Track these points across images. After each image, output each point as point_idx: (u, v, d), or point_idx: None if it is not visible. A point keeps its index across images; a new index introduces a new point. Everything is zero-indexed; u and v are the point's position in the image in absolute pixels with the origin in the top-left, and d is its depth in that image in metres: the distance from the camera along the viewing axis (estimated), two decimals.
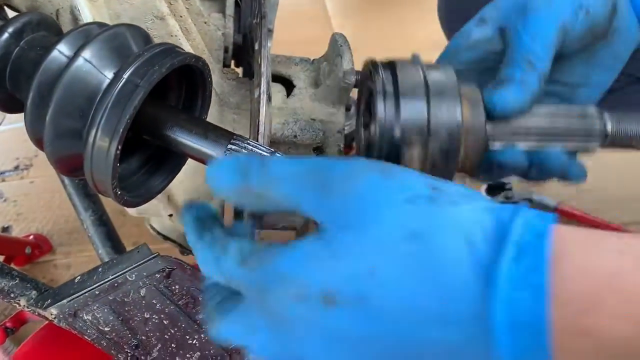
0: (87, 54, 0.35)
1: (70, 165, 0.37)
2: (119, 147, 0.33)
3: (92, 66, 0.35)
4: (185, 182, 0.49)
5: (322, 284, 0.29)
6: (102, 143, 0.33)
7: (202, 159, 0.36)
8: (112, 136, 0.33)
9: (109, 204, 0.85)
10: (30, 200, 1.25)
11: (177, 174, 0.42)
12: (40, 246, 1.11)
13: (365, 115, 0.42)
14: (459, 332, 0.28)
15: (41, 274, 1.09)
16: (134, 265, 0.53)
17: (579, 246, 0.28)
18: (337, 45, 0.50)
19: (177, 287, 0.54)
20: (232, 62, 0.57)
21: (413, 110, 0.37)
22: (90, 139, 0.34)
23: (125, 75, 0.34)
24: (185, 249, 0.62)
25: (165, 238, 0.60)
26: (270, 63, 0.52)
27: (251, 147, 0.35)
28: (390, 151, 0.38)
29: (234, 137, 0.36)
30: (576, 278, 0.27)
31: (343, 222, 0.29)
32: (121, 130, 0.33)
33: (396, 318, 0.28)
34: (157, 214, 0.54)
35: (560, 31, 0.42)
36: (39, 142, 0.37)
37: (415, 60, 0.40)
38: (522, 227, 0.28)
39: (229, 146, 0.35)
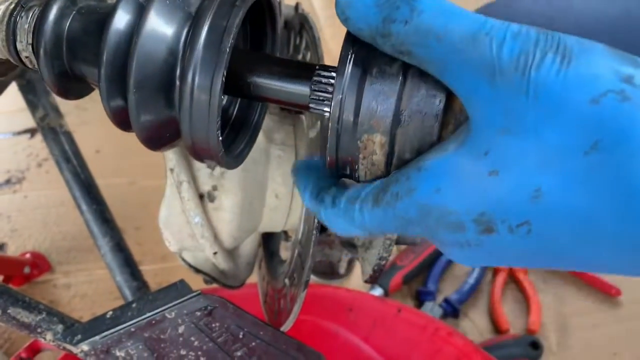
0: (155, 8, 0.32)
1: (160, 132, 0.34)
2: (222, 85, 0.30)
3: (168, 14, 0.32)
4: (233, 222, 0.49)
5: (478, 211, 0.26)
6: (202, 83, 0.30)
7: (290, 101, 0.34)
8: (210, 86, 0.30)
9: None
10: (24, 216, 1.22)
11: (259, 131, 0.40)
12: (39, 265, 1.08)
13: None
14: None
15: (40, 295, 1.07)
16: (175, 303, 0.52)
17: None
18: None
19: (217, 324, 0.53)
20: None
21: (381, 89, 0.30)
22: (186, 95, 0.31)
23: (208, 20, 0.31)
24: (217, 281, 0.61)
25: (197, 271, 0.59)
26: None
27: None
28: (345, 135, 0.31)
29: (317, 68, 0.33)
30: None
31: (506, 124, 0.25)
32: (220, 76, 0.30)
33: (563, 245, 0.25)
34: (199, 251, 0.53)
35: None
36: (117, 117, 0.34)
37: None
38: None
39: (314, 78, 0.32)
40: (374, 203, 0.29)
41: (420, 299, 1.00)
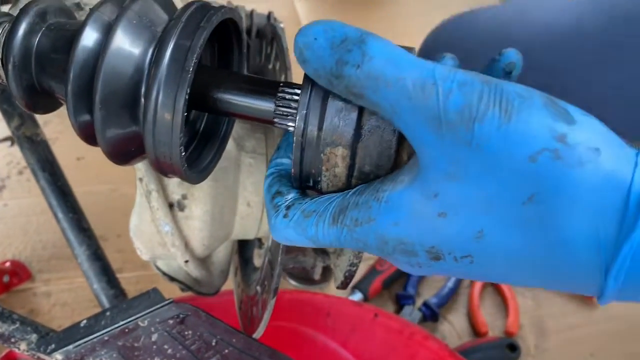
0: (122, 27, 0.32)
1: (126, 148, 0.35)
2: (185, 105, 0.31)
3: (134, 35, 0.33)
4: (204, 230, 0.49)
5: (429, 245, 0.28)
6: (165, 102, 0.31)
7: (255, 116, 0.35)
8: (174, 105, 0.31)
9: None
10: (4, 224, 1.21)
11: (225, 145, 0.40)
12: (19, 274, 1.08)
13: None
14: (561, 285, 0.29)
15: (20, 304, 1.06)
16: (147, 311, 0.53)
17: None
18: None
19: (190, 332, 0.53)
20: None
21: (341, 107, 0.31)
22: (150, 112, 0.32)
23: (172, 40, 0.32)
24: (190, 289, 0.62)
25: (172, 279, 0.59)
26: None
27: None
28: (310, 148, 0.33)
29: (281, 85, 0.34)
30: None
31: (451, 170, 0.27)
32: (185, 86, 0.31)
33: (496, 272, 0.29)
34: (171, 259, 0.53)
35: None
36: (84, 132, 0.35)
37: None
38: None
39: (279, 95, 0.34)
40: (332, 222, 0.31)
41: (400, 303, 1.01)
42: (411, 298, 1.01)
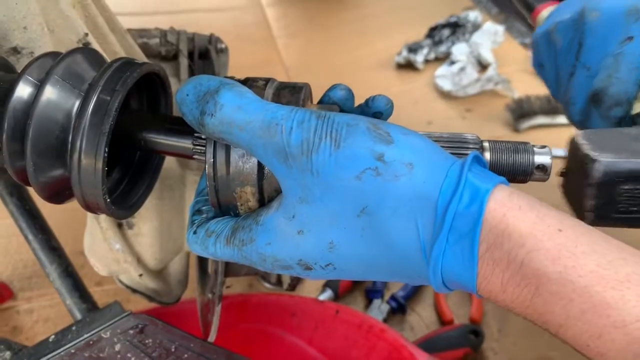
0: (52, 83, 0.36)
1: (57, 191, 0.39)
2: (105, 161, 0.35)
3: (60, 93, 0.37)
4: (154, 246, 0.53)
5: (297, 259, 0.34)
6: (88, 161, 0.35)
7: (176, 152, 0.40)
8: (95, 152, 0.35)
9: (68, 245, 0.86)
10: None
11: (157, 179, 0.45)
12: (1, 293, 1.11)
13: None
14: (407, 280, 0.35)
15: (3, 322, 1.09)
16: (108, 324, 0.56)
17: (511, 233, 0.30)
18: None
19: (150, 340, 0.57)
20: None
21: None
22: (75, 161, 0.36)
23: (95, 94, 0.36)
24: (153, 299, 0.65)
25: (134, 291, 0.63)
26: None
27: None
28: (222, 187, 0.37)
29: None
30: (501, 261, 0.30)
31: (302, 195, 0.33)
32: (104, 144, 0.35)
33: (357, 274, 0.35)
34: (127, 273, 0.57)
35: None
36: (20, 176, 0.39)
37: None
38: (456, 217, 0.30)
39: (195, 134, 0.38)
40: (226, 243, 0.36)
41: (369, 297, 1.05)
42: (379, 292, 1.05)
